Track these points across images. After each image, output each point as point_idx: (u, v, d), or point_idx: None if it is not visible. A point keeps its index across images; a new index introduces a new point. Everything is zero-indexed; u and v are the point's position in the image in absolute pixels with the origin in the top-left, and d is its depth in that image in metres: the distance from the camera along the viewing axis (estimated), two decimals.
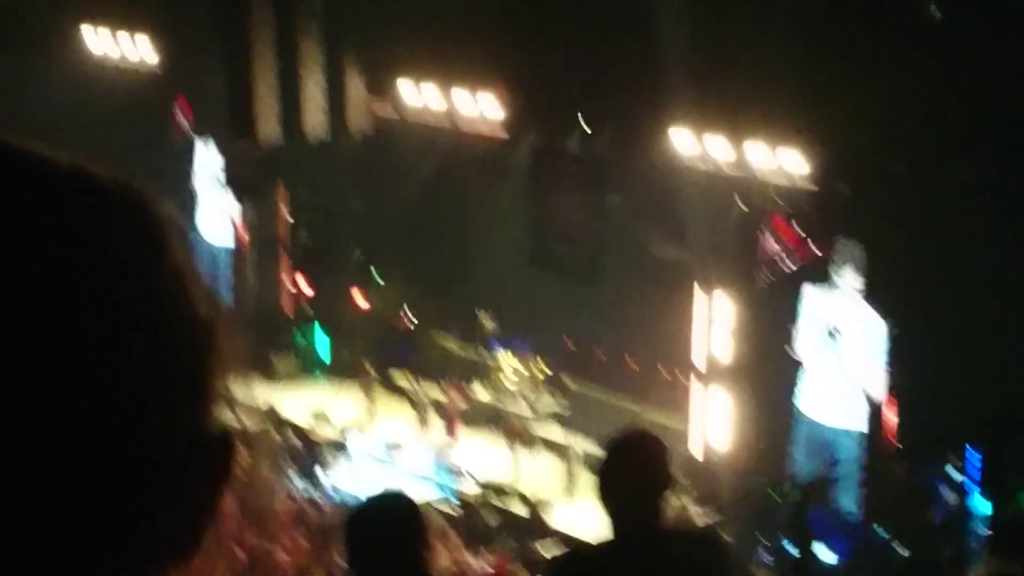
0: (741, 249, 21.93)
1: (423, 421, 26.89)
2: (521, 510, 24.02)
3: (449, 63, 25.03)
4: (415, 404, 27.17)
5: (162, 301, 0.97)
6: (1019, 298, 17.80)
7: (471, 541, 22.93)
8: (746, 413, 22.66)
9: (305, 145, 28.02)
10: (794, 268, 21.21)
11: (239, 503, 15.25)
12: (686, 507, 19.03)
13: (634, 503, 3.95)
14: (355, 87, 26.56)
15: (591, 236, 24.43)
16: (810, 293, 21.23)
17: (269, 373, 28.09)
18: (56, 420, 0.91)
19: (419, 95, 26.49)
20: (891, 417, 20.41)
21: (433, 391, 27.42)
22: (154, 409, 0.96)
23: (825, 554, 16.53)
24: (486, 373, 27.62)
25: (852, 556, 16.71)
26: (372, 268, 30.24)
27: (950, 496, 17.40)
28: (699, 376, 23.54)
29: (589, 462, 22.74)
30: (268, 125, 26.15)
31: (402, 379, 28.69)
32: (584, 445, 23.93)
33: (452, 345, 28.91)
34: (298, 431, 26.81)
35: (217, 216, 30.64)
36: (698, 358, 23.73)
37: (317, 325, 30.12)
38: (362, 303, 29.80)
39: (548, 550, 20.39)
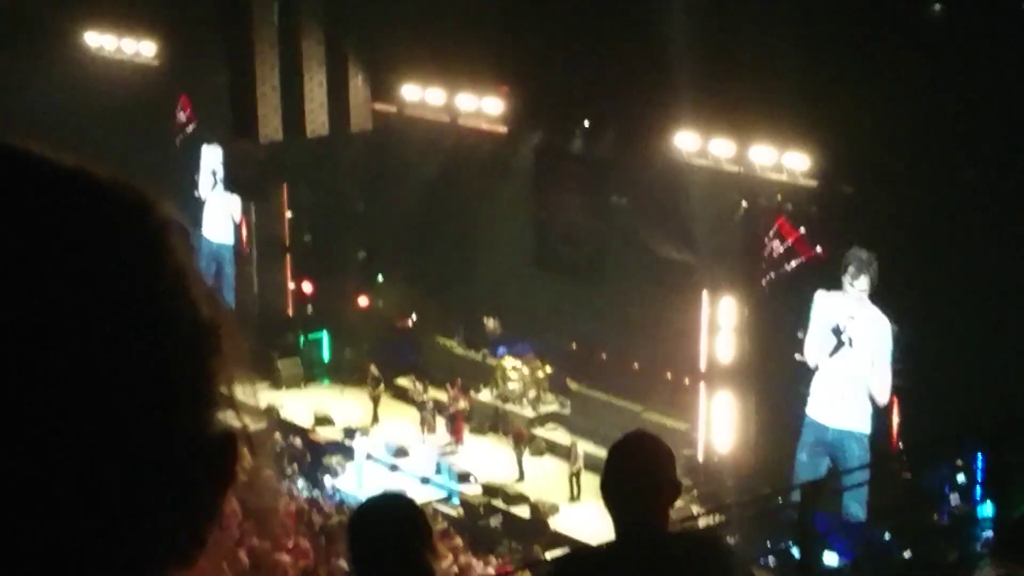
0: (745, 250, 21.97)
1: (426, 423, 26.98)
2: (524, 512, 24.15)
3: (452, 64, 25.05)
4: (418, 406, 27.30)
5: (164, 302, 0.97)
6: (1022, 300, 17.79)
7: (474, 543, 23.00)
8: (749, 415, 22.69)
9: (308, 145, 28.08)
10: (798, 269, 21.24)
11: (241, 505, 15.26)
12: (689, 508, 19.02)
13: (636, 506, 3.94)
14: (358, 87, 26.61)
15: (594, 237, 24.46)
16: (819, 299, 21.32)
17: (272, 375, 28.22)
18: (57, 420, 0.91)
19: (422, 96, 26.56)
20: (895, 420, 20.42)
21: (436, 393, 27.63)
22: (156, 410, 0.96)
23: (829, 556, 16.52)
24: (489, 375, 27.84)
25: (856, 557, 16.71)
26: (375, 269, 30.33)
27: (953, 498, 17.41)
28: (703, 378, 23.61)
29: (592, 464, 22.82)
30: (270, 125, 26.20)
31: (405, 381, 28.84)
32: (587, 447, 24.03)
33: (455, 347, 29.04)
34: (301, 433, 26.90)
35: (220, 216, 30.74)
36: (702, 360, 23.81)
37: (319, 327, 30.23)
38: (365, 304, 29.88)
39: (550, 552, 20.42)
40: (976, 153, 18.63)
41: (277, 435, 24.52)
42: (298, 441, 25.70)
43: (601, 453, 22.24)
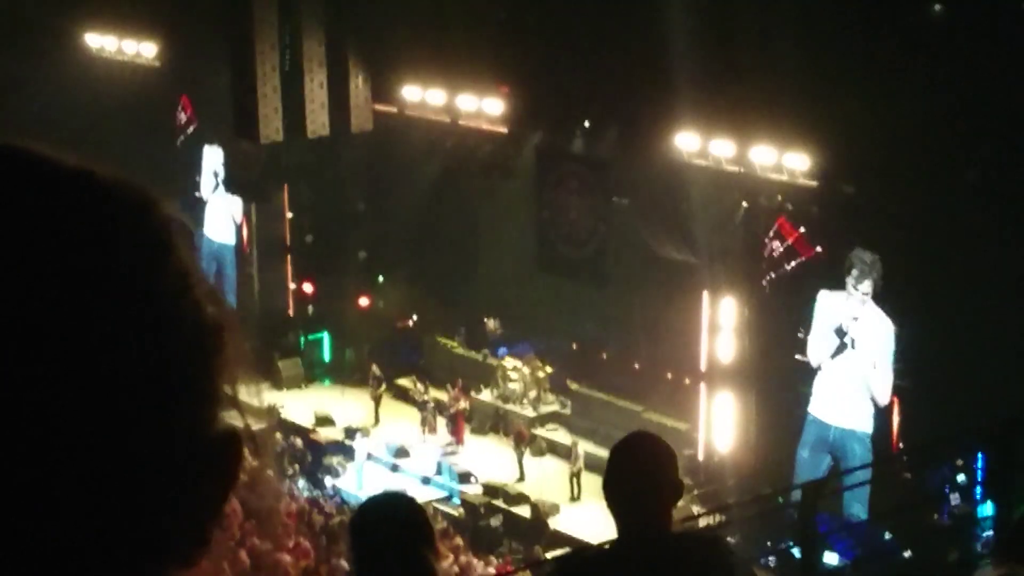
0: (745, 251, 21.97)
1: (427, 423, 26.97)
2: (524, 512, 24.15)
3: (453, 65, 25.03)
4: (419, 406, 27.29)
5: (167, 301, 0.97)
6: (1022, 299, 17.78)
7: (474, 543, 23.00)
8: (750, 415, 22.68)
9: (308, 146, 28.10)
10: (798, 269, 21.24)
11: (242, 505, 15.26)
12: (690, 508, 19.02)
13: (639, 506, 3.93)
14: (358, 88, 26.62)
15: (595, 238, 24.46)
16: (823, 299, 21.32)
17: (273, 375, 28.20)
18: (59, 420, 0.91)
19: (422, 96, 26.55)
20: (896, 420, 20.42)
21: (437, 393, 27.64)
22: (159, 410, 0.95)
23: (830, 556, 16.51)
24: (490, 376, 27.82)
25: (857, 557, 16.69)
26: (376, 270, 30.33)
27: (954, 498, 17.40)
28: (703, 378, 23.60)
29: (592, 464, 22.84)
30: (271, 126, 26.20)
31: (406, 381, 28.83)
32: (588, 447, 24.03)
33: (456, 348, 29.04)
34: (302, 433, 26.90)
35: (221, 216, 30.72)
36: (702, 360, 23.81)
37: (320, 327, 30.21)
38: (366, 305, 29.87)
39: (551, 552, 20.42)
40: (976, 153, 18.64)
41: (278, 435, 24.51)
42: (299, 441, 25.70)
43: (602, 453, 22.24)
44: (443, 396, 26.56)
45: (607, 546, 4.55)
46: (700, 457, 22.87)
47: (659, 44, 20.21)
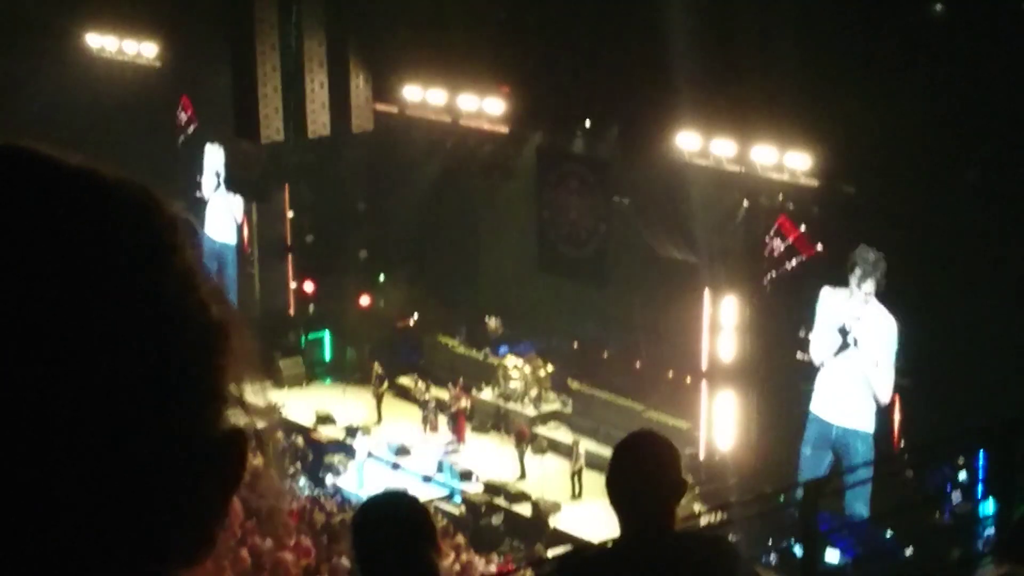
0: (746, 250, 21.96)
1: (428, 422, 26.97)
2: (525, 510, 24.14)
3: (453, 65, 25.01)
4: (420, 405, 27.29)
5: (172, 301, 0.97)
6: (1022, 298, 17.78)
7: (475, 541, 23.00)
8: (751, 413, 22.68)
9: (309, 146, 28.09)
10: (799, 267, 21.23)
11: (244, 504, 15.27)
12: (691, 507, 19.02)
13: (642, 505, 3.92)
14: (359, 88, 26.60)
15: (595, 237, 24.45)
16: (826, 296, 21.31)
17: (274, 374, 28.16)
18: (61, 420, 0.91)
19: (423, 96, 26.52)
20: (897, 418, 20.42)
21: (438, 392, 27.65)
22: (162, 409, 0.95)
23: (831, 554, 16.50)
24: (491, 374, 27.74)
25: (858, 556, 16.69)
26: (376, 269, 30.32)
27: (955, 496, 17.39)
28: (704, 376, 23.60)
29: (593, 462, 22.84)
30: (272, 126, 26.20)
31: (407, 380, 28.82)
32: (589, 445, 24.03)
33: (457, 347, 29.03)
34: (303, 432, 26.89)
35: (222, 216, 30.71)
36: (703, 358, 23.81)
37: (321, 326, 30.21)
38: (367, 304, 29.86)
39: (552, 550, 20.41)
40: (976, 153, 18.63)
41: (279, 434, 24.52)
42: (300, 440, 25.71)
43: (603, 452, 22.27)
44: (444, 395, 26.57)
45: (609, 545, 4.55)
46: (701, 456, 22.87)
47: (659, 44, 20.19)
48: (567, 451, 24.18)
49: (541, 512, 22.98)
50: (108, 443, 0.94)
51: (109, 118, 28.54)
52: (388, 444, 25.75)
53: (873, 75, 19.03)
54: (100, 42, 30.69)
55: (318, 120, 26.21)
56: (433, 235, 28.17)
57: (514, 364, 26.24)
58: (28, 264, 0.93)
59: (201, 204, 29.20)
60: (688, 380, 23.75)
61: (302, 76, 25.93)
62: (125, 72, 30.27)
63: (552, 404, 26.03)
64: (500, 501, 23.69)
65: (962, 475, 17.55)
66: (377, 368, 27.06)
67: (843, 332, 20.46)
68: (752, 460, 22.09)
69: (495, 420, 26.21)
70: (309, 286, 29.65)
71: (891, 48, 18.94)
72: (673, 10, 20.10)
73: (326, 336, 29.52)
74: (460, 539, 21.50)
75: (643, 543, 4.02)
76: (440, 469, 24.94)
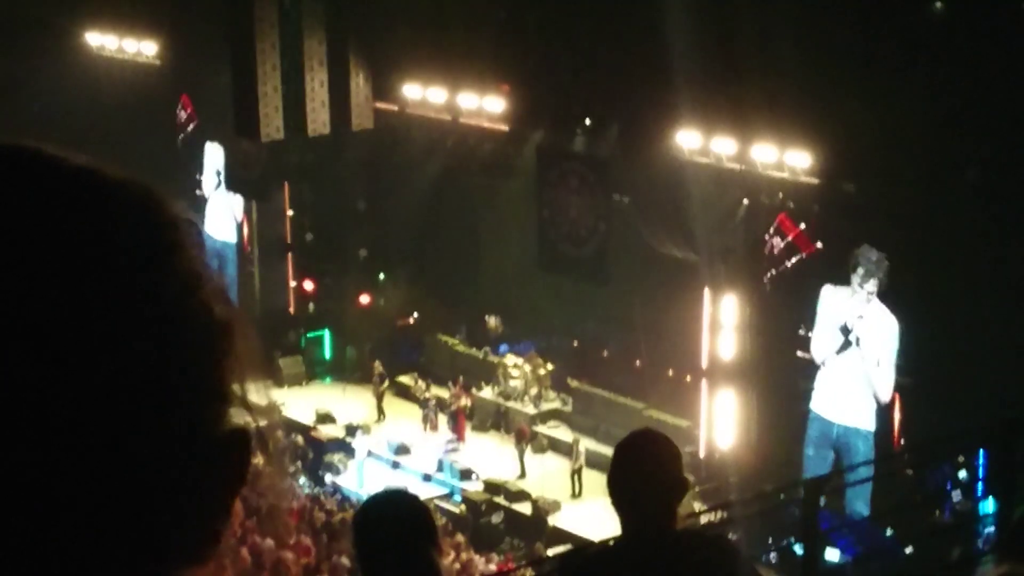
0: (747, 248, 21.96)
1: (429, 421, 26.97)
2: (525, 509, 24.14)
3: (453, 63, 25.01)
4: (420, 404, 27.29)
5: (176, 301, 0.96)
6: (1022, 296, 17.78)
7: (476, 540, 23.00)
8: (751, 412, 22.69)
9: (309, 144, 28.09)
10: (799, 265, 21.22)
11: (244, 502, 15.27)
12: (691, 505, 19.02)
13: (643, 504, 3.92)
14: (359, 86, 26.60)
15: (596, 236, 24.44)
16: (827, 294, 21.31)
17: (274, 373, 28.11)
18: (63, 419, 0.91)
19: (423, 95, 26.52)
20: (897, 417, 20.42)
21: (438, 391, 27.65)
22: (165, 409, 0.95)
23: (831, 552, 16.50)
24: (491, 373, 27.72)
25: (858, 554, 16.69)
26: (376, 268, 30.32)
27: (956, 495, 17.40)
28: (704, 375, 23.60)
29: (593, 461, 22.85)
30: (272, 124, 26.19)
31: (407, 379, 28.82)
32: (589, 444, 24.04)
33: (457, 345, 29.03)
34: (303, 431, 26.89)
35: (222, 214, 30.71)
36: (703, 357, 23.81)
37: (321, 325, 30.21)
38: (367, 303, 29.86)
39: (552, 549, 20.42)
40: (976, 152, 18.63)
41: (279, 433, 24.52)
42: (300, 439, 25.72)
43: (603, 450, 22.26)
44: (444, 394, 26.58)
45: (610, 544, 4.55)
46: (701, 454, 22.88)
47: (660, 42, 20.18)
48: (567, 450, 24.19)
49: (541, 511, 22.99)
50: (111, 443, 0.94)
51: (109, 117, 28.55)
52: (388, 443, 25.76)
53: (873, 74, 19.03)
54: (100, 41, 30.69)
55: (318, 119, 26.20)
56: (433, 234, 28.17)
57: (514, 363, 26.25)
58: (30, 263, 0.93)
59: (201, 203, 29.20)
60: (688, 379, 23.76)
61: (302, 74, 25.92)
62: (125, 71, 30.26)
63: (552, 403, 26.04)
64: (500, 500, 23.71)
65: (962, 474, 17.55)
66: (378, 366, 27.07)
67: (845, 331, 20.45)
68: (752, 458, 22.09)
69: (495, 419, 26.22)
70: (309, 285, 29.66)
71: (891, 48, 18.94)
72: (673, 9, 20.10)
73: (326, 335, 29.53)
74: (460, 538, 21.52)
75: (644, 542, 4.02)
76: (440, 468, 24.95)
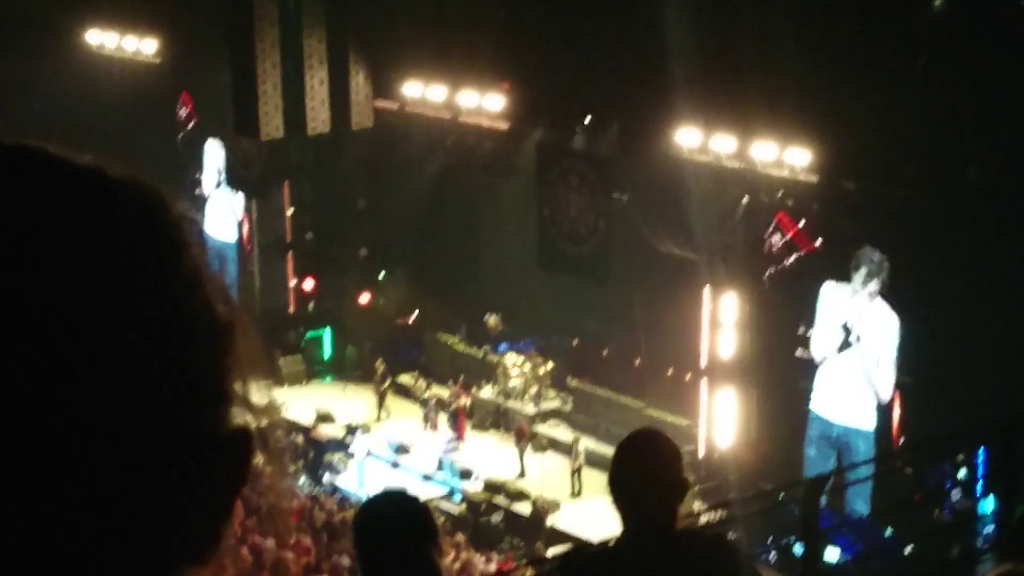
0: (746, 246, 21.95)
1: (428, 420, 26.95)
2: (525, 509, 24.13)
3: (453, 61, 25.01)
4: (420, 403, 27.27)
5: (179, 301, 0.97)
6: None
7: (475, 539, 23.00)
8: (751, 411, 22.69)
9: (309, 143, 28.08)
10: (799, 263, 21.21)
11: (243, 501, 15.26)
12: (691, 504, 19.04)
13: (644, 503, 3.93)
14: (359, 85, 26.60)
15: (596, 234, 24.44)
16: (828, 292, 21.30)
17: (274, 373, 28.03)
18: (65, 419, 0.91)
19: (423, 93, 26.52)
20: (896, 416, 20.41)
21: (438, 390, 27.62)
22: (168, 408, 0.95)
23: (831, 551, 16.51)
24: (491, 372, 27.66)
25: (858, 553, 16.69)
26: (377, 267, 30.33)
27: (956, 494, 17.39)
28: (704, 374, 23.60)
29: (593, 460, 22.85)
30: (272, 123, 26.19)
31: (407, 378, 28.82)
32: (589, 443, 24.03)
33: (457, 344, 29.02)
34: (302, 430, 26.90)
35: (222, 213, 30.71)
36: (703, 356, 23.81)
37: (321, 324, 30.22)
38: (367, 302, 29.87)
39: (552, 549, 20.42)
40: (978, 150, 18.63)
41: (279, 432, 24.52)
42: (300, 438, 25.72)
43: (603, 449, 22.28)
44: (444, 393, 26.58)
45: (611, 543, 4.55)
46: (701, 453, 22.88)
47: (660, 40, 20.19)
48: (567, 449, 24.18)
49: (541, 510, 22.98)
50: (112, 442, 0.94)
51: (109, 115, 28.56)
52: (388, 442, 25.75)
53: (873, 72, 19.03)
54: (100, 39, 30.68)
55: (318, 117, 26.20)
56: (433, 232, 28.16)
57: (514, 362, 26.24)
58: (33, 262, 0.93)
59: (201, 202, 29.20)
60: (688, 377, 23.75)
61: (302, 73, 25.92)
62: (125, 69, 30.25)
63: (552, 402, 26.03)
64: (500, 499, 23.70)
65: (962, 472, 17.55)
66: (379, 365, 27.07)
67: (846, 329, 20.44)
68: (752, 457, 22.10)
69: (495, 418, 26.22)
70: (309, 284, 29.66)
71: (891, 47, 18.93)
72: (673, 7, 20.11)
73: (326, 334, 29.53)
74: (460, 537, 21.52)
75: (644, 542, 4.03)
76: (440, 467, 24.95)
